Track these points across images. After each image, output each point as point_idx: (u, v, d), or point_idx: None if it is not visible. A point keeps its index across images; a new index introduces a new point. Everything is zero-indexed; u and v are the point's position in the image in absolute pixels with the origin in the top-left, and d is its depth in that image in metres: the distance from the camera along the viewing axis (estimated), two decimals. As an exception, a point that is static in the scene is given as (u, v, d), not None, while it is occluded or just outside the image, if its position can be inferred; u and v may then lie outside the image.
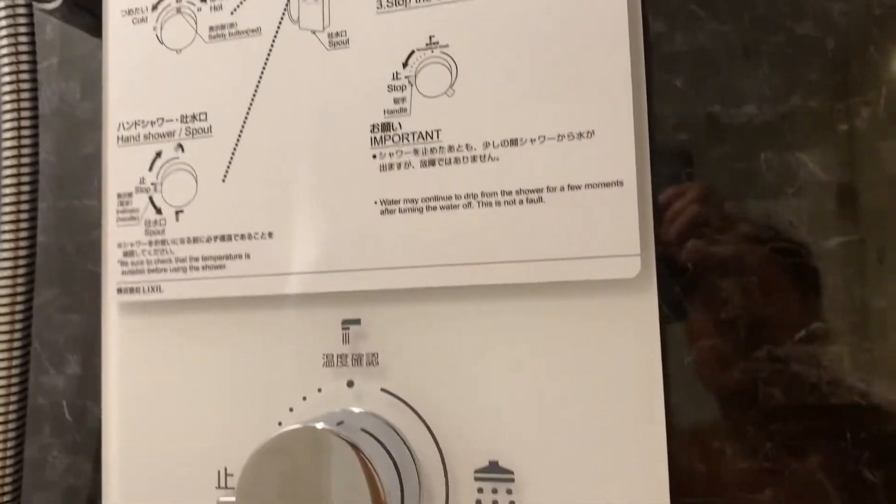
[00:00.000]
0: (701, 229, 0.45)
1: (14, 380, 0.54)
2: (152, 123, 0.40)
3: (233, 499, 0.33)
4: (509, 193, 0.34)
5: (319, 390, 0.37)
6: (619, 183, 0.33)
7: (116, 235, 0.40)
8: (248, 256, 0.38)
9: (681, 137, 0.46)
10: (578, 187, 0.33)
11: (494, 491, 0.34)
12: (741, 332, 0.45)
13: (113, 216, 0.40)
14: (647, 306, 0.33)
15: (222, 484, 0.38)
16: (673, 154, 0.45)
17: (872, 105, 0.44)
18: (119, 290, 0.40)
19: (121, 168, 0.40)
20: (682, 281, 0.46)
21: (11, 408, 0.54)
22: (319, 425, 0.32)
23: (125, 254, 0.40)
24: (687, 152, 0.46)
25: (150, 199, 0.39)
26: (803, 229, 0.44)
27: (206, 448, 0.38)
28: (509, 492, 0.34)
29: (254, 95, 0.38)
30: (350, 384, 0.36)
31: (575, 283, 0.33)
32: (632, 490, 0.33)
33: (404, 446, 0.35)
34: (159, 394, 0.39)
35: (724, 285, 0.45)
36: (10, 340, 0.54)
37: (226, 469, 0.38)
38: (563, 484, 0.33)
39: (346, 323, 0.36)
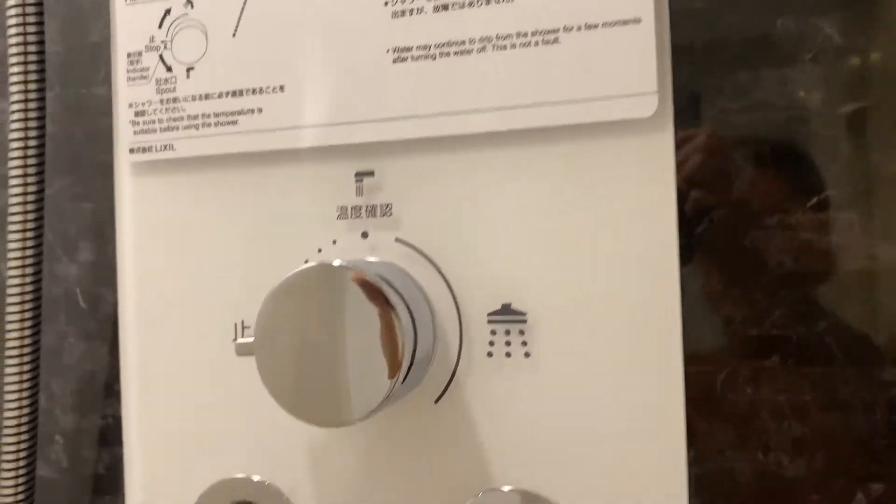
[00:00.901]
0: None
1: (28, 269, 0.55)
2: (160, -20, 0.39)
3: (250, 339, 0.34)
4: (525, 35, 0.34)
5: (334, 242, 0.37)
6: (637, 20, 0.32)
7: (127, 96, 0.40)
8: (260, 111, 0.37)
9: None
10: (595, 26, 0.33)
11: (507, 332, 0.35)
12: (753, 202, 0.45)
13: (123, 76, 0.40)
14: (663, 146, 0.33)
15: (240, 337, 0.38)
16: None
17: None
18: (131, 151, 0.40)
19: (130, 27, 0.40)
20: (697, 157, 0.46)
21: (27, 297, 0.55)
22: (336, 262, 0.32)
23: (136, 114, 0.40)
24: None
25: (161, 56, 0.39)
26: (818, 96, 0.44)
27: (223, 303, 0.39)
28: (521, 332, 0.34)
29: (263, -53, 0.37)
30: (364, 235, 0.36)
31: (591, 126, 0.33)
32: (644, 333, 0.33)
33: (419, 292, 0.35)
34: (174, 254, 0.40)
35: (737, 154, 0.45)
36: (24, 230, 0.55)
37: (242, 322, 0.38)
38: (575, 326, 0.34)
39: (360, 175, 0.36)
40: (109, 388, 0.57)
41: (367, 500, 0.37)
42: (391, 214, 0.36)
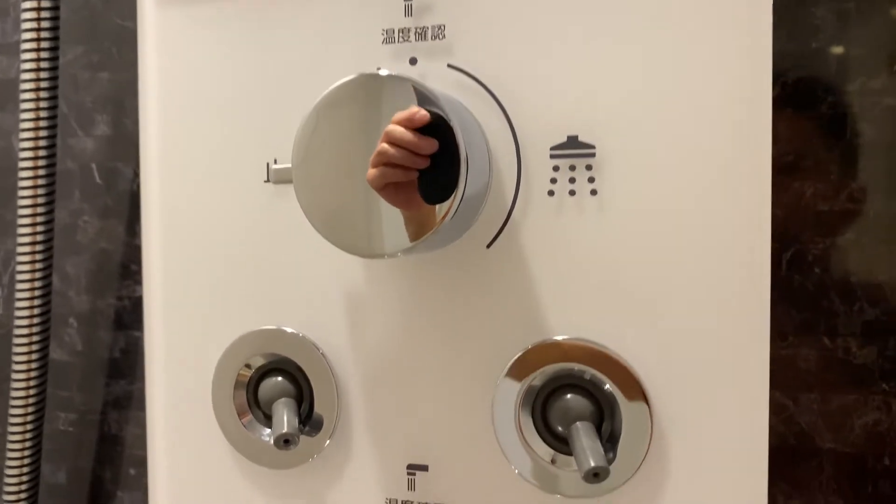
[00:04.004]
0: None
1: (42, 143, 0.51)
2: None
3: (287, 165, 0.30)
4: None
5: (378, 70, 0.33)
6: None
7: (151, -88, 0.36)
8: (299, -77, 0.33)
9: None
10: None
11: (572, 168, 0.31)
12: (832, 65, 0.41)
13: None
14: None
15: (271, 178, 0.35)
16: None
17: None
18: (155, -26, 0.36)
19: None
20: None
21: (40, 172, 0.51)
22: (383, 72, 0.29)
23: (161, -68, 0.36)
24: None
25: None
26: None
27: (254, 143, 0.35)
28: (588, 168, 0.31)
29: None
30: (413, 62, 0.33)
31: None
32: (729, 183, 0.30)
33: (473, 123, 0.31)
34: (202, 90, 0.36)
35: (818, 11, 0.41)
36: (37, 101, 0.51)
37: (275, 160, 0.35)
38: (650, 165, 0.30)
39: (410, -6, 0.33)
40: (126, 269, 0.55)
41: (408, 355, 0.34)
42: (443, 37, 0.32)
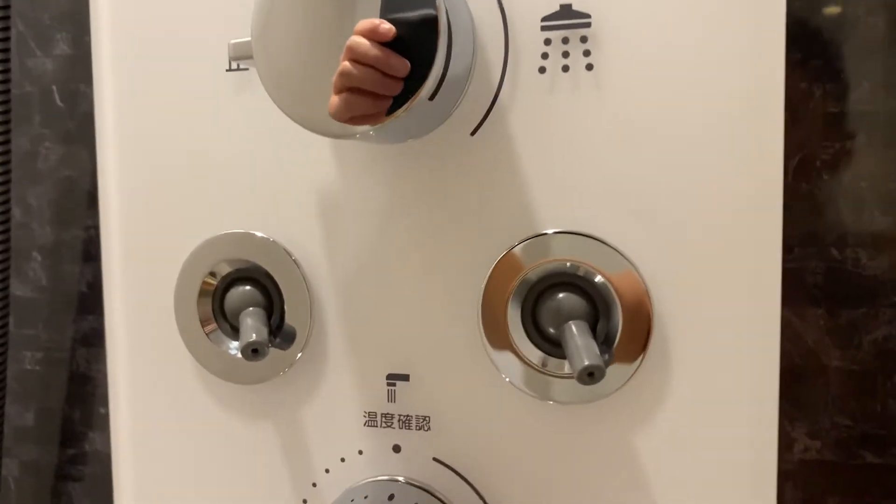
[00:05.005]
0: None
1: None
2: None
3: (247, 38, 0.27)
4: None
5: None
6: None
7: None
8: None
9: None
10: None
11: (565, 41, 0.28)
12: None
13: None
14: None
15: (230, 54, 0.32)
16: None
17: None
18: None
19: None
20: None
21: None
22: None
23: None
24: None
25: None
26: None
27: (214, 30, 0.32)
28: (583, 40, 0.28)
29: None
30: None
31: None
32: (741, 71, 0.27)
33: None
34: (156, -24, 0.33)
35: None
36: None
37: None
38: (650, 34, 0.27)
39: None
40: (92, 197, 0.51)
41: (387, 257, 0.31)
42: None
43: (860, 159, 0.38)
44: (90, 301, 0.52)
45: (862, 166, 0.38)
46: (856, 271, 0.39)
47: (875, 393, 0.39)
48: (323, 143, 0.31)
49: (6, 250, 0.48)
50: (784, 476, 0.29)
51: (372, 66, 0.24)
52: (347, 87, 0.25)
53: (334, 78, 0.25)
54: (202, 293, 0.33)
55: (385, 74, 0.24)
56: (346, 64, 0.25)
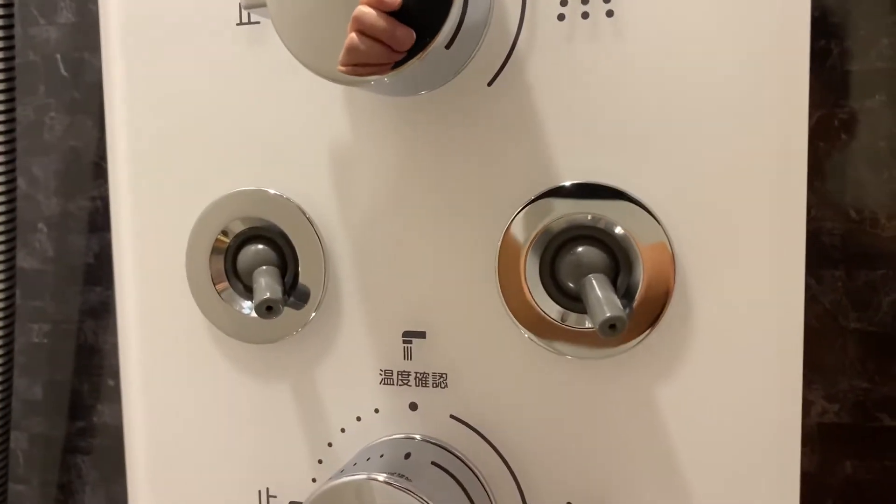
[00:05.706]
0: None
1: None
2: None
3: None
4: None
5: None
6: None
7: None
8: None
9: None
10: None
11: None
12: None
13: None
14: None
15: (242, 2, 0.31)
16: None
17: None
18: None
19: None
20: None
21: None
22: None
23: None
24: None
25: None
26: None
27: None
28: None
29: None
30: None
31: None
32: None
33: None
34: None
35: None
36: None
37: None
38: None
39: None
40: (98, 167, 0.51)
41: (403, 212, 0.30)
42: None
43: (879, 119, 0.37)
44: (97, 272, 0.51)
45: (881, 125, 0.38)
46: (874, 232, 0.38)
47: (894, 355, 0.38)
48: (336, 98, 0.31)
49: (12, 220, 0.48)
50: (801, 439, 0.29)
51: (378, 39, 0.24)
52: (354, 62, 0.25)
53: (342, 53, 0.25)
54: (214, 251, 0.32)
55: (391, 48, 0.24)
56: (354, 38, 0.24)
